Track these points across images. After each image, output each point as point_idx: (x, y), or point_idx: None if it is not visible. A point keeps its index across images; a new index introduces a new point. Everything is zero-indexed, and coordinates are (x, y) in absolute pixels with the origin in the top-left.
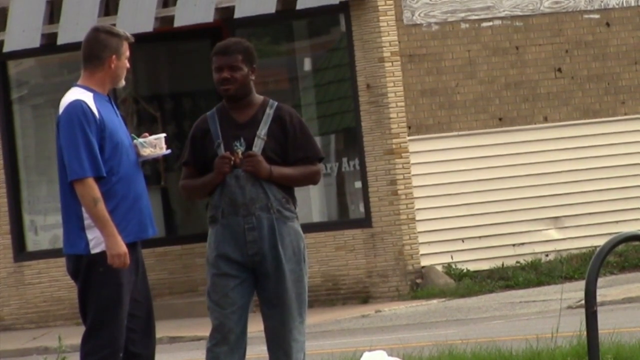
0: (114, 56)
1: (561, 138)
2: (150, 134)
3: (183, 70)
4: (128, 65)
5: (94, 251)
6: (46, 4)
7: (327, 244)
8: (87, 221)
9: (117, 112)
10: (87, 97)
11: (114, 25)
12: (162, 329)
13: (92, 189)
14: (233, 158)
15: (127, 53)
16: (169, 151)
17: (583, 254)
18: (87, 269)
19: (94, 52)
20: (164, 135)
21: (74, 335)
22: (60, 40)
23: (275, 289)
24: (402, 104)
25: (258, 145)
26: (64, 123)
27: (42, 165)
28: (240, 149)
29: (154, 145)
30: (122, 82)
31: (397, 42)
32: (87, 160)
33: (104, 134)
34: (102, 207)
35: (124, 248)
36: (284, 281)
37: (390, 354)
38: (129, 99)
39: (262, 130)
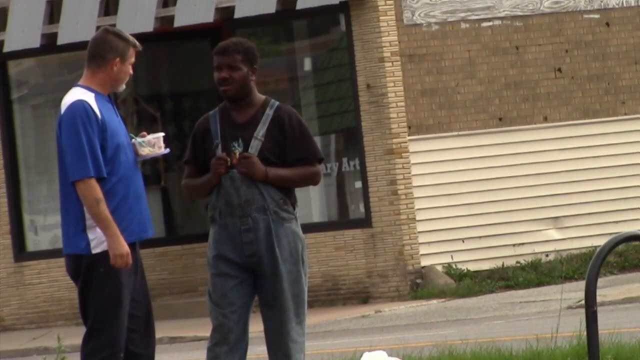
0: (118, 59)
1: (561, 138)
2: (149, 134)
3: (183, 70)
4: (131, 72)
5: (94, 251)
6: (46, 4)
7: (327, 244)
8: (89, 221)
9: (117, 112)
10: (89, 98)
11: (114, 25)
12: (162, 329)
13: (94, 189)
14: (229, 159)
15: (132, 59)
16: (167, 150)
17: (583, 254)
18: (87, 269)
19: (98, 51)
20: (162, 134)
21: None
22: (60, 40)
23: (272, 290)
24: (402, 104)
25: (255, 146)
26: (66, 123)
27: (42, 165)
28: (237, 150)
29: (153, 144)
30: (123, 87)
31: (397, 42)
32: (89, 160)
33: (105, 134)
34: (104, 207)
35: (126, 248)
36: (281, 282)
37: (390, 354)
38: (129, 99)
39: (260, 131)
